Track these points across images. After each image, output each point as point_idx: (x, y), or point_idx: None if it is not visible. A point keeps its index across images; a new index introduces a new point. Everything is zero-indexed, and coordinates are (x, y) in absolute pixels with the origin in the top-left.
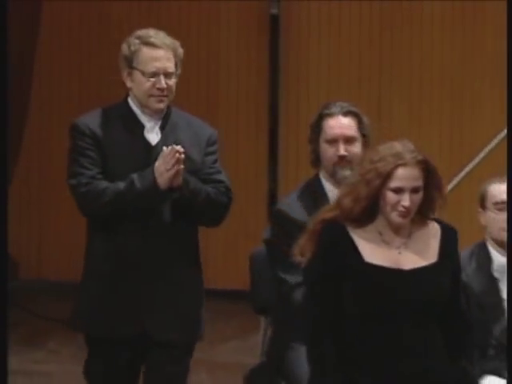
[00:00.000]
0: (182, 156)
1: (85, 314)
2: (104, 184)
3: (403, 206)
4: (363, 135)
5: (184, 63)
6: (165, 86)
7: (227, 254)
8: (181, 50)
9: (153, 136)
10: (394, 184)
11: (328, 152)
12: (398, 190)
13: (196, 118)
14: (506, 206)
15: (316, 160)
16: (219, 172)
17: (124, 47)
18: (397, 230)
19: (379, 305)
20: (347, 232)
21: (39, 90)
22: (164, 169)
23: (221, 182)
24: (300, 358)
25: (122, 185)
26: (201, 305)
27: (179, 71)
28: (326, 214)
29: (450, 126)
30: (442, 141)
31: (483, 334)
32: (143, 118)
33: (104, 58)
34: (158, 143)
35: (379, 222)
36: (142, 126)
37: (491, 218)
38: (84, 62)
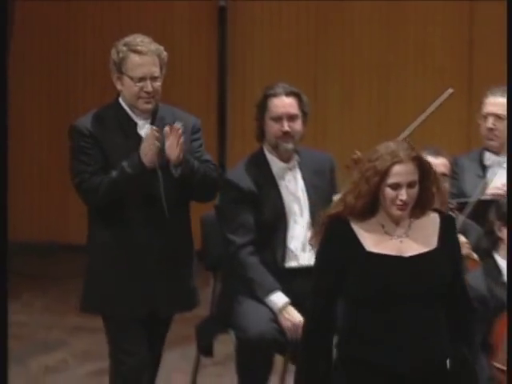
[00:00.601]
0: (180, 131)
1: (96, 297)
2: (99, 178)
3: (401, 200)
4: (303, 113)
5: None
6: (151, 89)
7: None
8: (165, 54)
9: (145, 132)
10: (391, 180)
11: (273, 128)
12: (396, 186)
13: (179, 109)
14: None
15: (261, 135)
16: (205, 154)
17: (113, 53)
18: (397, 221)
19: (382, 290)
20: (350, 226)
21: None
22: (148, 149)
23: (208, 161)
24: (246, 310)
25: (114, 173)
26: (195, 277)
27: (164, 72)
28: (332, 209)
29: (378, 105)
30: (370, 117)
31: None
32: (135, 117)
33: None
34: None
35: (380, 216)
36: (134, 124)
37: None
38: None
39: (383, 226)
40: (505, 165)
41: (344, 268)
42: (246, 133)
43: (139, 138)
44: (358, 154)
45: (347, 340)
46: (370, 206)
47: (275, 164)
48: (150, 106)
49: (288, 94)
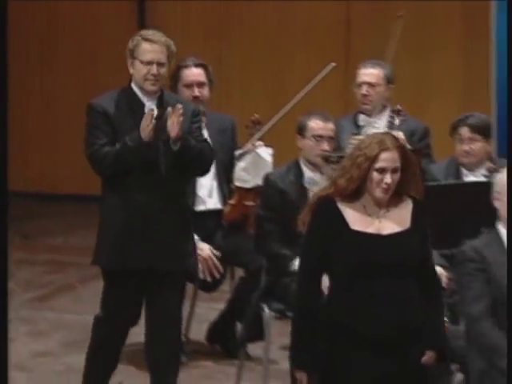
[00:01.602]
0: (181, 111)
1: (103, 252)
2: (107, 149)
3: (386, 183)
4: (210, 81)
5: (82, 40)
6: (156, 72)
7: None
8: (173, 47)
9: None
10: (378, 165)
11: (185, 93)
12: (382, 170)
13: (179, 96)
14: (322, 138)
15: None
16: (202, 135)
17: (130, 42)
18: (378, 204)
19: (363, 263)
20: (337, 206)
21: None
22: (145, 126)
23: (205, 141)
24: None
25: (118, 146)
26: (191, 240)
27: (172, 62)
28: (321, 192)
29: (272, 76)
30: (266, 86)
31: (295, 227)
32: (143, 98)
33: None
34: (156, 115)
35: (364, 198)
36: (142, 105)
37: (308, 145)
38: None
39: (365, 207)
40: (376, 125)
41: (330, 244)
42: None
43: None
44: (256, 115)
45: (332, 308)
46: (356, 190)
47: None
48: (155, 88)
49: (197, 66)
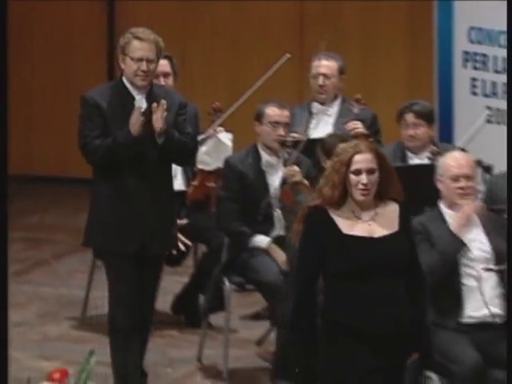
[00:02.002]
0: (165, 106)
1: (95, 234)
2: (99, 141)
3: (362, 184)
4: (174, 72)
5: (56, 37)
6: (146, 69)
7: None
8: (161, 44)
9: (140, 105)
10: (353, 167)
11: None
12: (357, 172)
13: (169, 88)
14: (278, 124)
15: None
16: (188, 127)
17: (121, 40)
18: (364, 207)
19: (357, 266)
20: (328, 214)
21: None
22: (134, 122)
23: (189, 133)
24: None
25: (109, 140)
26: (176, 223)
27: (161, 58)
28: (310, 203)
29: (232, 66)
30: (226, 75)
31: (253, 207)
32: (133, 92)
33: None
34: (144, 110)
35: (350, 203)
36: (132, 98)
37: (265, 131)
38: None
39: (353, 212)
40: (328, 112)
41: (324, 251)
42: None
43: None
44: (217, 104)
45: (328, 308)
46: (342, 196)
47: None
48: (145, 83)
49: (163, 57)
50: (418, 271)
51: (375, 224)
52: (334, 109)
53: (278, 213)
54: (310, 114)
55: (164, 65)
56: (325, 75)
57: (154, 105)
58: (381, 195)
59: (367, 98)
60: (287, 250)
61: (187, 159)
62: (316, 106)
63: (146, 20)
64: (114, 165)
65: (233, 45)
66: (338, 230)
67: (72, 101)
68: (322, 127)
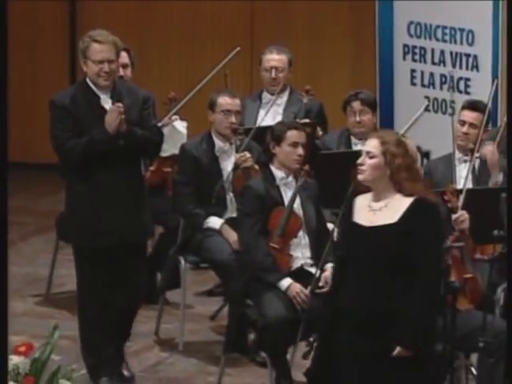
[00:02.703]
0: (122, 109)
1: (74, 230)
2: (73, 141)
3: (359, 163)
4: (132, 63)
5: (20, 36)
6: (108, 70)
7: None
8: (120, 43)
9: (106, 103)
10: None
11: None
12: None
13: (132, 84)
14: (230, 112)
15: None
16: (152, 120)
17: (80, 43)
18: (378, 196)
19: (350, 252)
20: (355, 199)
21: None
22: (111, 120)
23: (154, 126)
24: None
25: (85, 139)
26: (147, 211)
27: (119, 57)
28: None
29: (186, 59)
30: (180, 68)
31: (207, 190)
32: (98, 92)
33: None
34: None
35: (372, 190)
36: (98, 98)
37: (218, 119)
38: None
39: (370, 200)
40: (278, 102)
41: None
42: None
43: (102, 109)
44: (172, 93)
45: (332, 291)
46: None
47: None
48: (107, 83)
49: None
50: (422, 270)
51: (379, 213)
52: (283, 99)
53: (230, 196)
54: (260, 102)
55: (123, 56)
56: (276, 68)
57: (109, 108)
58: (400, 190)
59: (313, 89)
60: (239, 229)
61: (153, 152)
62: (266, 96)
63: (106, 19)
64: (88, 163)
65: (187, 39)
66: (350, 216)
67: (35, 96)
68: (271, 116)
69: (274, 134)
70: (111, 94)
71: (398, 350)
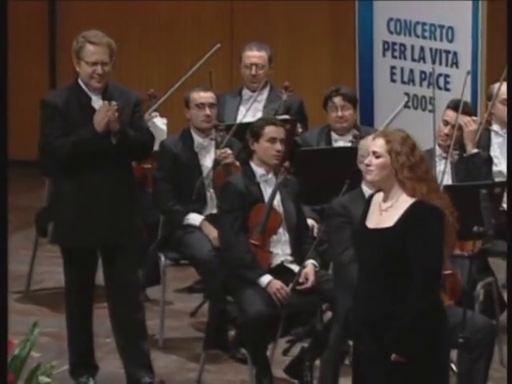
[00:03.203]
0: (115, 107)
1: (61, 231)
2: (61, 140)
3: (365, 164)
4: (111, 59)
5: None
6: (101, 72)
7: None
8: (114, 46)
9: (97, 105)
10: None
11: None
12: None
13: (123, 86)
14: (203, 105)
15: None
16: (143, 122)
17: (74, 43)
18: (387, 196)
19: (356, 253)
20: (370, 198)
21: None
22: (100, 118)
23: (145, 128)
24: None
25: (73, 137)
26: (139, 217)
27: (114, 59)
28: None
29: (166, 55)
30: (160, 65)
31: (187, 186)
32: (90, 93)
33: None
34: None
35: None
36: (89, 99)
37: (194, 114)
38: None
39: (382, 199)
40: (258, 98)
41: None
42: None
43: (92, 110)
44: (152, 90)
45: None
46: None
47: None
48: (100, 85)
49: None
50: (416, 276)
51: (386, 215)
52: (264, 95)
53: (210, 192)
54: (240, 99)
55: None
56: (256, 65)
57: (99, 106)
58: (403, 188)
59: (293, 85)
60: (219, 226)
61: (144, 154)
62: (247, 93)
63: (86, 18)
64: (76, 162)
65: (167, 37)
66: (364, 217)
67: (15, 95)
68: (252, 113)
69: (253, 131)
70: (103, 95)
71: (393, 356)
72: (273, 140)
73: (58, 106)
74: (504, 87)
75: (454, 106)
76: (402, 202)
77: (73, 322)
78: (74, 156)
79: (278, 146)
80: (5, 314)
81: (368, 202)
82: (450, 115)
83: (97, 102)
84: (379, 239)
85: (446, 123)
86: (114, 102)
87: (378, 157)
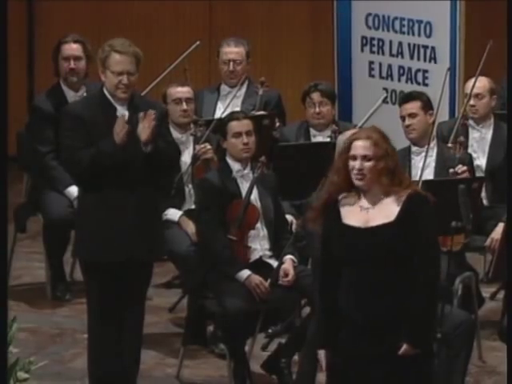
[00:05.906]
0: (153, 116)
1: (85, 245)
2: (81, 153)
3: (356, 169)
4: (87, 56)
5: None
6: (127, 82)
7: None
8: (140, 55)
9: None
10: (351, 153)
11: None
12: (353, 158)
13: (149, 98)
14: (180, 100)
15: (57, 73)
16: (170, 136)
17: (100, 52)
18: (366, 193)
19: (347, 255)
20: (336, 203)
21: None
22: (119, 130)
23: (172, 142)
24: (50, 199)
25: (92, 150)
26: (163, 230)
27: (139, 69)
28: (324, 194)
29: (146, 55)
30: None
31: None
32: (115, 103)
33: None
34: (128, 118)
35: (357, 190)
36: (114, 109)
37: (171, 109)
38: None
39: (359, 198)
40: (238, 94)
41: (329, 238)
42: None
43: None
44: None
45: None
46: (349, 182)
47: (68, 93)
48: (125, 95)
49: (75, 41)
50: (421, 263)
51: (374, 212)
52: (242, 91)
53: (189, 187)
54: (218, 95)
55: (76, 48)
56: (234, 61)
57: (141, 114)
58: (390, 185)
59: (272, 81)
60: (197, 222)
61: (171, 167)
62: (225, 89)
63: (64, 17)
64: (99, 175)
65: (147, 34)
66: (339, 219)
67: None
68: (231, 109)
69: (220, 129)
70: (128, 106)
71: (404, 348)
72: (238, 135)
73: (81, 115)
74: (479, 83)
75: (403, 100)
76: (394, 196)
77: (94, 337)
78: (95, 170)
79: (245, 139)
80: (5, 315)
81: (336, 208)
82: (403, 109)
83: (121, 113)
84: (380, 236)
85: (403, 118)
86: (152, 111)
87: (369, 160)
